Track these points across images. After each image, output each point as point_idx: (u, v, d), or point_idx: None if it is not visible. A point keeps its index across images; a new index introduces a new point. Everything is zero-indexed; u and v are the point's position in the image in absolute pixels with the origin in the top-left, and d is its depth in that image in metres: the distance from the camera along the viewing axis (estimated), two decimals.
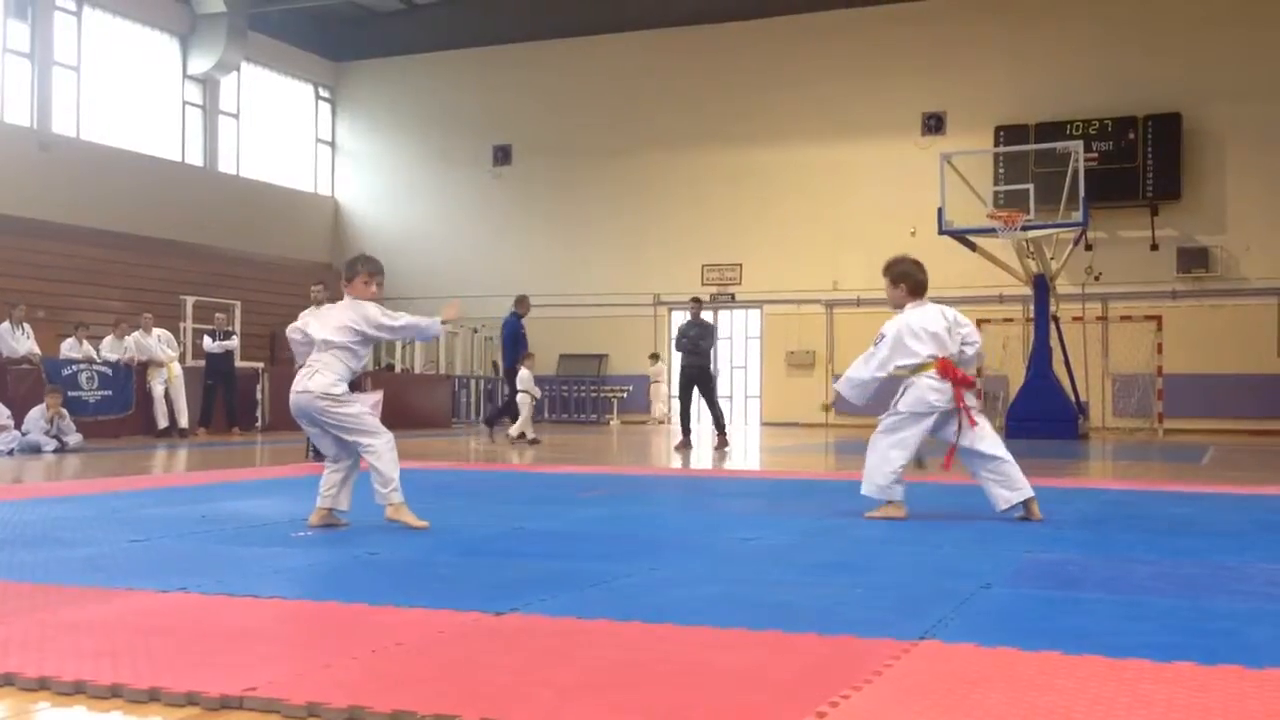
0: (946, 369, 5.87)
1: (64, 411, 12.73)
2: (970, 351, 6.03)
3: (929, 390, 5.87)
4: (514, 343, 15.10)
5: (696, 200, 24.36)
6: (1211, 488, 8.16)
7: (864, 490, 6.04)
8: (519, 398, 15.05)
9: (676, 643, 2.98)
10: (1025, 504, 5.81)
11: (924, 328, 5.96)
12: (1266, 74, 20.86)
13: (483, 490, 7.20)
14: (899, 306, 6.13)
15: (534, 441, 14.48)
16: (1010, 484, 5.80)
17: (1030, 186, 17.16)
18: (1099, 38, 21.87)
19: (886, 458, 5.98)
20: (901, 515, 5.92)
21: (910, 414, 5.94)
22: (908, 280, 6.10)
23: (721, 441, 14.11)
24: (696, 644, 2.96)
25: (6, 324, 14.60)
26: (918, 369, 5.94)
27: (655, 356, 23.73)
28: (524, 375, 15.04)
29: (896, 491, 5.96)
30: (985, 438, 5.88)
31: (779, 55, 23.83)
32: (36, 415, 12.44)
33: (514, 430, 14.90)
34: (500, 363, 15.17)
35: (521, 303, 15.40)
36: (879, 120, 23.11)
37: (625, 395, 24.19)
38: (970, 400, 5.94)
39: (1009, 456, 5.86)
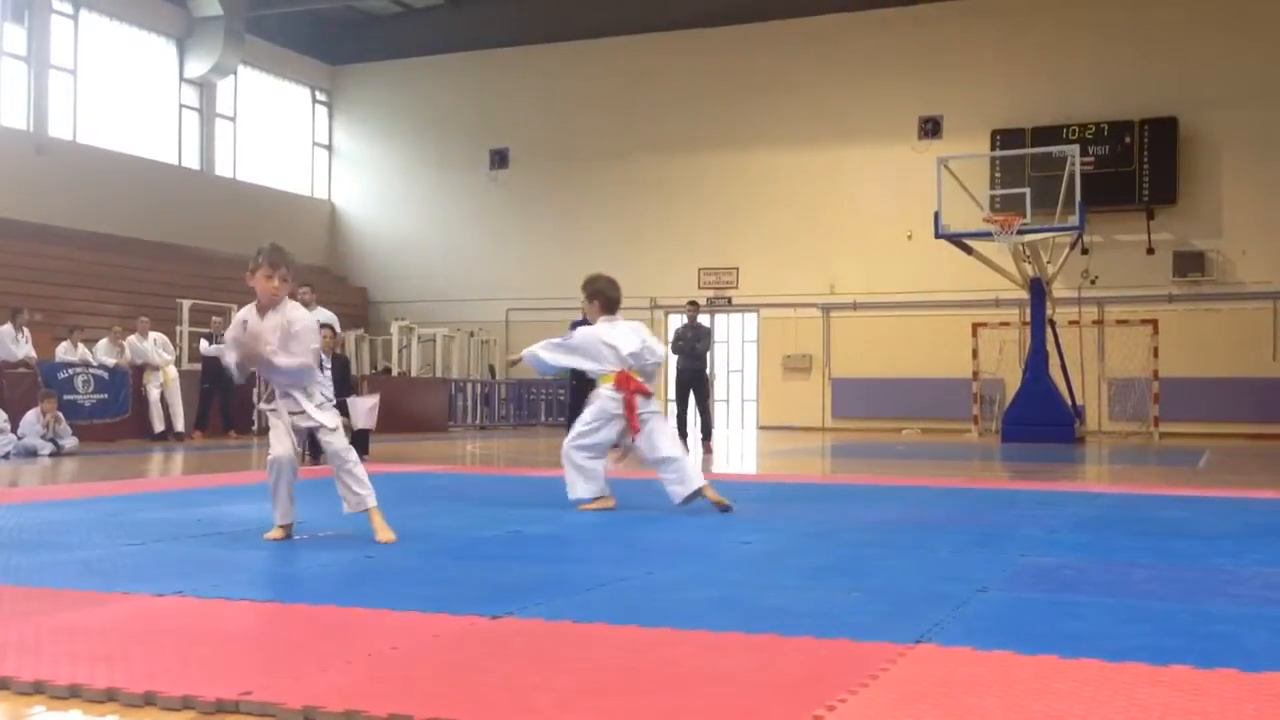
0: (623, 380, 6.46)
1: (60, 415, 12.72)
2: (652, 361, 6.59)
3: (608, 400, 6.49)
4: None
5: (693, 204, 24.37)
6: (1208, 491, 8.16)
7: (573, 496, 6.51)
8: None
9: (673, 646, 2.98)
10: (700, 493, 6.37)
11: (612, 343, 6.52)
12: (1262, 79, 20.90)
13: (479, 494, 7.20)
14: (592, 320, 6.68)
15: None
16: (683, 479, 6.40)
17: (1027, 190, 17.17)
18: (1095, 42, 21.91)
19: (584, 467, 6.53)
20: (612, 505, 6.48)
21: (598, 421, 6.52)
22: (600, 297, 6.64)
23: (706, 449, 14.16)
24: (693, 648, 2.96)
25: (8, 327, 14.58)
26: (600, 378, 6.57)
27: None
28: None
29: (605, 489, 6.54)
30: (657, 441, 6.44)
31: (776, 59, 23.85)
32: (32, 419, 12.42)
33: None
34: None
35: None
36: (875, 124, 23.13)
37: None
38: (646, 406, 6.50)
39: (680, 454, 6.50)
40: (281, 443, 5.07)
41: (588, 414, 6.60)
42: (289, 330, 5.07)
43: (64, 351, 15.52)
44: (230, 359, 5.24)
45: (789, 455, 14.16)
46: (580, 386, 15.42)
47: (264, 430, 5.42)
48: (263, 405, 5.30)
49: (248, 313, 5.17)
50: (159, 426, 15.91)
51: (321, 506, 5.68)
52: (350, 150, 27.64)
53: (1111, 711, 2.37)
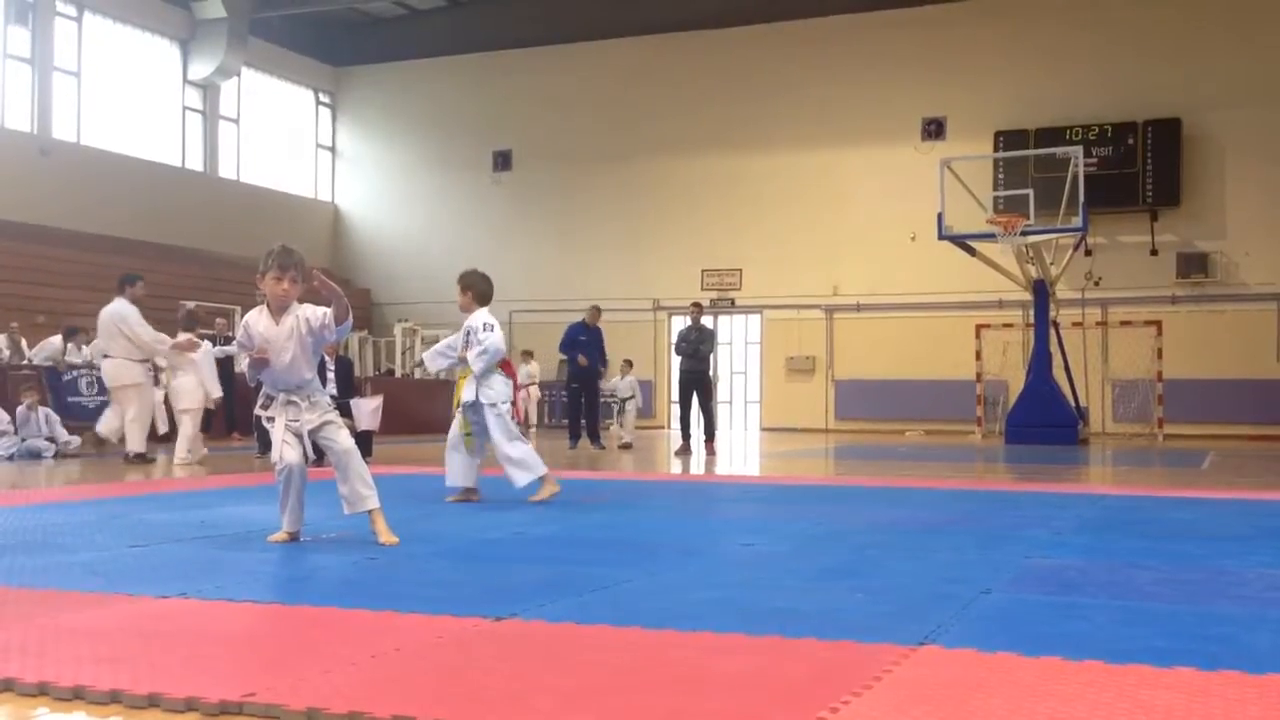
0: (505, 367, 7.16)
1: (49, 412, 12.75)
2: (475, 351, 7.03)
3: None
4: (567, 347, 15.63)
5: (696, 205, 24.37)
6: (1211, 493, 8.16)
7: (530, 481, 6.96)
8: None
9: (676, 648, 2.98)
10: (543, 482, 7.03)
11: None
12: (1266, 80, 20.89)
13: (482, 495, 7.20)
14: (466, 311, 7.07)
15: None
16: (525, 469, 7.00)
17: (1030, 192, 17.17)
18: (1099, 43, 21.89)
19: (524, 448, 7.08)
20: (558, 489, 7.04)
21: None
22: (474, 289, 7.06)
23: (709, 450, 14.18)
24: (697, 649, 2.96)
25: (58, 338, 14.94)
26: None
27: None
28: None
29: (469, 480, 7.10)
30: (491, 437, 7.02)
31: (779, 60, 23.85)
32: (23, 418, 12.45)
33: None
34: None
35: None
36: (879, 125, 23.13)
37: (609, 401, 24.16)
38: (479, 395, 7.00)
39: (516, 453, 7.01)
40: (290, 449, 5.02)
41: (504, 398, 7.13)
42: (310, 328, 5.03)
43: (68, 354, 15.54)
44: (243, 363, 5.24)
45: (792, 457, 14.16)
46: (580, 387, 15.51)
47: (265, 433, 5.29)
48: (259, 411, 5.22)
49: (255, 316, 5.15)
50: (162, 428, 15.90)
51: (324, 508, 5.68)
52: (353, 152, 27.66)
53: (1115, 713, 2.36)
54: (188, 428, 11.71)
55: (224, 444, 15.58)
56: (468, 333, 6.99)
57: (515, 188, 25.99)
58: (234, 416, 16.76)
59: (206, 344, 11.98)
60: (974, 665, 2.79)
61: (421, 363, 7.38)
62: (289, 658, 2.93)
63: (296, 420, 5.06)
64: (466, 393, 6.98)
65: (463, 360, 7.01)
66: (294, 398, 5.09)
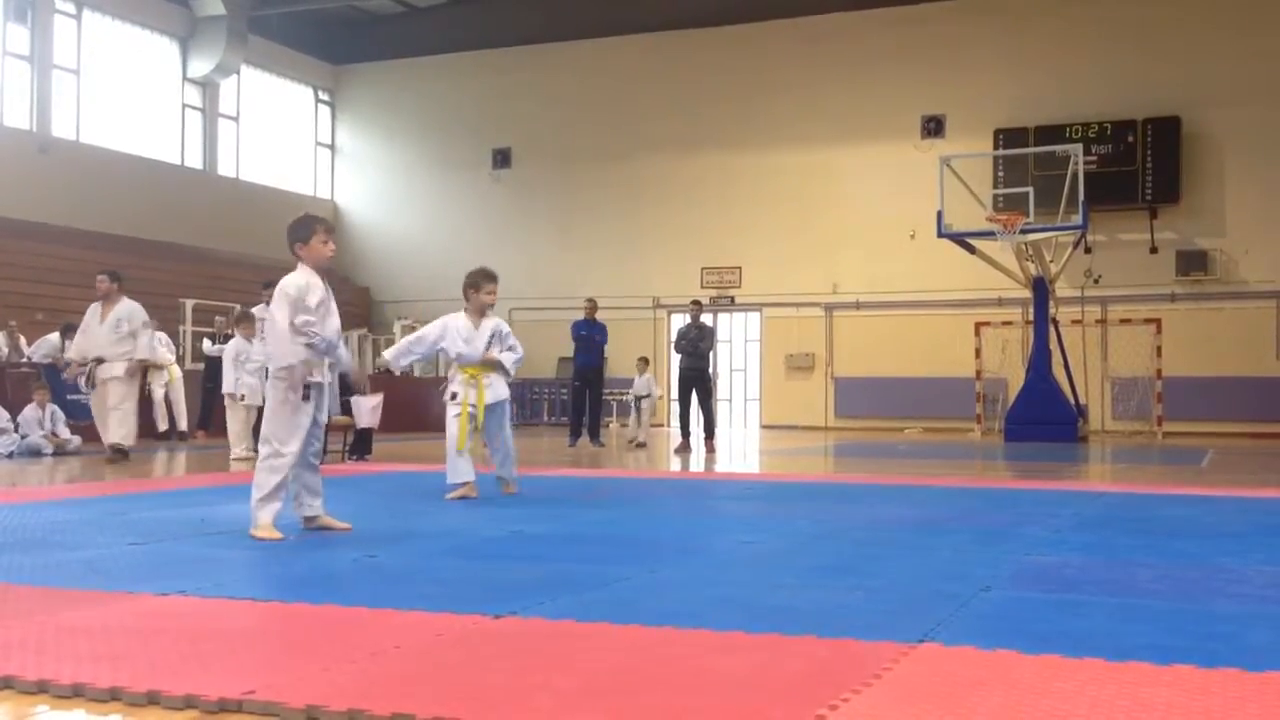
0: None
1: (56, 408, 12.76)
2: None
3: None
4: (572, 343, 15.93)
5: (696, 203, 24.36)
6: (1211, 490, 8.16)
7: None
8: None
9: (676, 646, 2.98)
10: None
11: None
12: (1265, 78, 20.87)
13: (481, 493, 7.20)
14: (483, 311, 7.24)
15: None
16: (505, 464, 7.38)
17: (1029, 189, 17.15)
18: (1099, 41, 21.88)
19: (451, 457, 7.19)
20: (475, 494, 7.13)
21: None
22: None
23: (709, 448, 14.19)
24: (696, 647, 2.96)
25: (55, 336, 14.86)
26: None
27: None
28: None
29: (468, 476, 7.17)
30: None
31: (778, 58, 23.83)
32: (31, 416, 12.45)
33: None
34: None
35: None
36: (878, 123, 23.11)
37: (625, 399, 24.18)
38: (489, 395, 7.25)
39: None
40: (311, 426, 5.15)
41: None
42: (328, 299, 5.27)
43: (67, 351, 15.53)
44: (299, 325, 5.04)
45: (792, 454, 14.16)
46: (583, 386, 15.56)
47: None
48: (312, 379, 5.10)
49: (304, 279, 5.16)
50: (163, 426, 15.91)
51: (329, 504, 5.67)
52: (353, 150, 27.64)
53: (1115, 711, 2.37)
54: (253, 423, 12.19)
55: (224, 441, 15.54)
56: (493, 335, 7.19)
57: (515, 185, 25.97)
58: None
59: (259, 343, 12.11)
60: (973, 663, 2.79)
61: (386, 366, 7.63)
62: (288, 655, 2.93)
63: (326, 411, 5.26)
64: (499, 393, 7.20)
65: (488, 361, 7.13)
66: (332, 360, 5.29)
